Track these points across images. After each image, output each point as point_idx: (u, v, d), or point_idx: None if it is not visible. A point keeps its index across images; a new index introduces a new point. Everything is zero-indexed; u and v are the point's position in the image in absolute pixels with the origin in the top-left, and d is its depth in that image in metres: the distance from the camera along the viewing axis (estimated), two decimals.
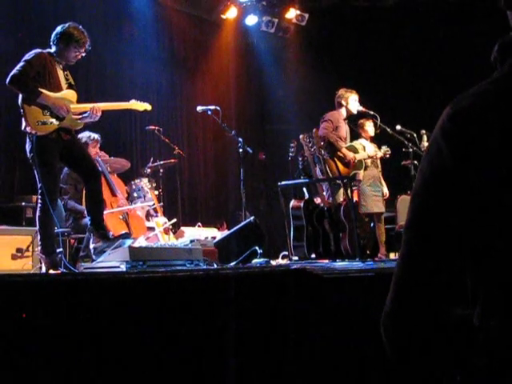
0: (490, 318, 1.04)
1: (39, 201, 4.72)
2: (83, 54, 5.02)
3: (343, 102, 6.95)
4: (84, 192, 5.09)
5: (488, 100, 1.02)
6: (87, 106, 4.96)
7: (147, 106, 5.60)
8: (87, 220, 5.97)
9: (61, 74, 4.92)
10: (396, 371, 1.12)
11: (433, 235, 1.06)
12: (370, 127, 7.34)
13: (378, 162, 7.33)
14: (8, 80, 4.62)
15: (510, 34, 1.09)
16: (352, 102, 6.94)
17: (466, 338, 1.08)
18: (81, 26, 5.01)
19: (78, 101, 5.01)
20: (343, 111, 6.97)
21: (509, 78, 1.04)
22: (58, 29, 4.93)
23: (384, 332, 1.12)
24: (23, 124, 4.70)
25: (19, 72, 4.63)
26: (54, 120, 4.73)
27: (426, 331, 1.08)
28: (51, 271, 4.61)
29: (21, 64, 4.67)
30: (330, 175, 6.34)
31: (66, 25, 4.95)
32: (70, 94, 4.92)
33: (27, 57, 4.73)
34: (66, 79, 4.96)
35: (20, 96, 4.70)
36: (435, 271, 1.06)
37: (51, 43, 4.92)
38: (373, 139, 7.41)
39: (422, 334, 1.08)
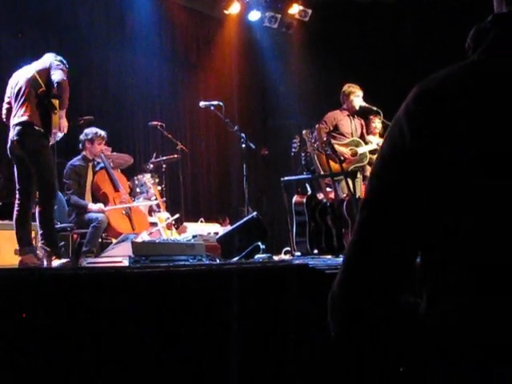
0: (441, 304, 1.03)
1: (39, 195, 4.80)
2: None
3: (346, 98, 6.97)
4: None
5: (457, 82, 1.03)
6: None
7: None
8: (90, 215, 6.01)
9: None
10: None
11: (388, 215, 1.05)
12: (377, 123, 7.37)
13: None
14: (59, 80, 4.75)
15: (484, 21, 1.09)
16: (355, 97, 6.95)
17: (412, 325, 1.07)
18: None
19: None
20: (346, 107, 6.98)
21: (479, 63, 1.05)
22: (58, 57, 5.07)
23: (330, 310, 1.11)
24: (27, 118, 4.75)
25: (65, 78, 4.81)
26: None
27: (372, 315, 1.06)
28: (54, 264, 4.65)
29: (63, 71, 4.85)
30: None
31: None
32: None
33: (63, 66, 4.90)
34: None
35: (50, 100, 4.78)
36: (387, 252, 1.05)
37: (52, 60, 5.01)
38: (381, 135, 7.42)
39: (368, 317, 1.06)
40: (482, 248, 0.99)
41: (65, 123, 4.90)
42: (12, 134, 4.87)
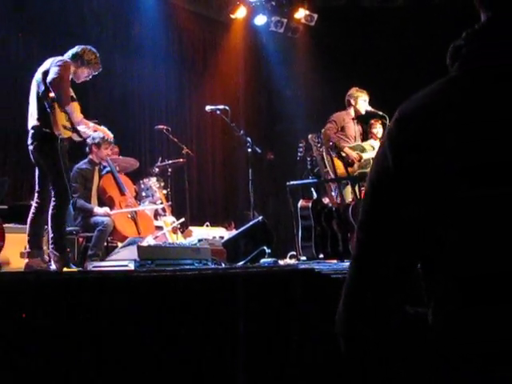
0: (440, 314, 1.06)
1: (53, 199, 4.78)
2: (90, 78, 5.24)
3: (352, 102, 6.97)
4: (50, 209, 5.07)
5: (437, 99, 1.06)
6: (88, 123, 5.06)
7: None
8: (96, 219, 6.01)
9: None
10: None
11: (381, 234, 1.09)
12: (378, 129, 7.36)
13: None
14: (50, 80, 4.74)
15: (459, 38, 1.13)
16: (361, 102, 6.95)
17: (421, 336, 1.09)
18: (95, 50, 5.16)
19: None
20: (352, 111, 6.99)
21: (456, 79, 1.08)
22: (76, 48, 5.08)
23: (337, 325, 1.14)
24: (36, 122, 4.77)
25: (60, 76, 4.78)
26: (70, 128, 4.90)
27: (379, 332, 1.10)
28: (64, 269, 4.65)
29: (60, 68, 4.81)
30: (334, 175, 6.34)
31: (86, 47, 5.12)
32: (77, 107, 5.02)
33: (63, 63, 4.88)
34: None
35: (51, 96, 4.78)
36: (378, 272, 1.09)
37: (68, 57, 5.02)
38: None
39: (375, 334, 1.10)
40: (463, 260, 1.02)
41: (76, 118, 4.88)
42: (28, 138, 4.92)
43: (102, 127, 5.39)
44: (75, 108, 4.97)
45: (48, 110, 4.77)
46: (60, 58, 4.94)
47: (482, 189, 0.99)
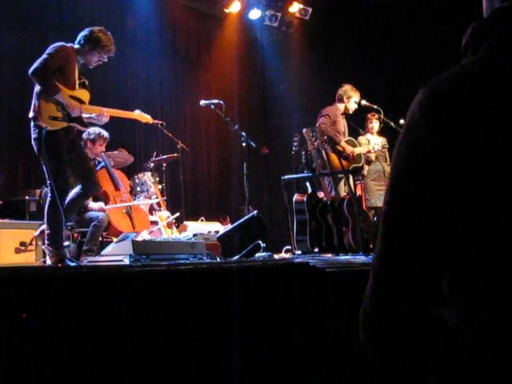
0: (476, 318, 0.99)
1: (48, 194, 4.72)
2: (105, 60, 5.00)
3: (345, 99, 6.98)
4: (76, 191, 5.03)
5: (469, 83, 1.00)
6: (97, 109, 4.96)
7: (149, 119, 5.70)
8: (91, 214, 6.00)
9: (77, 72, 4.90)
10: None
11: (417, 223, 1.01)
12: (374, 123, 7.40)
13: (387, 155, 7.36)
14: (31, 72, 4.57)
15: (482, 19, 1.07)
16: (352, 102, 6.97)
17: (443, 340, 1.03)
18: (109, 32, 4.96)
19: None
20: (341, 107, 7.00)
21: (487, 60, 1.02)
22: (86, 31, 4.89)
23: (362, 327, 1.07)
24: (32, 113, 4.67)
25: (42, 65, 4.58)
26: (65, 118, 4.71)
27: (406, 331, 1.03)
28: (59, 265, 4.62)
29: (44, 57, 4.62)
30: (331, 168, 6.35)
31: (96, 28, 4.91)
32: (84, 94, 4.89)
33: (51, 50, 4.68)
34: (79, 78, 4.94)
35: (38, 87, 4.67)
36: (416, 266, 1.01)
37: (76, 42, 4.87)
38: (379, 134, 7.44)
39: (402, 334, 1.03)
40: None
41: (71, 107, 4.70)
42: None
43: (121, 111, 5.34)
44: (81, 95, 4.87)
45: (36, 101, 4.68)
46: (54, 44, 4.76)
47: None
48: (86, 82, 4.97)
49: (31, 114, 4.67)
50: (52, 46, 4.73)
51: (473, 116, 0.97)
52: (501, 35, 1.02)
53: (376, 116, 7.37)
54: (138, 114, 5.56)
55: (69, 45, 4.83)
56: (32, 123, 4.68)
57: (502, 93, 0.97)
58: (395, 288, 1.02)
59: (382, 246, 1.04)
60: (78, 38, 4.89)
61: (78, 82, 4.88)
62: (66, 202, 4.83)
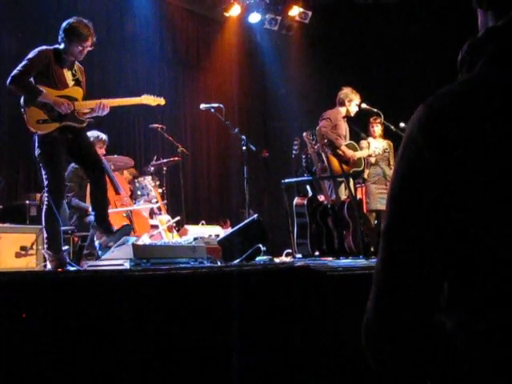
0: (478, 318, 1.02)
1: (45, 199, 4.71)
2: (89, 49, 4.91)
3: (346, 102, 6.97)
4: (89, 188, 5.05)
5: (465, 100, 1.03)
6: (93, 102, 4.91)
7: (160, 101, 5.45)
8: (91, 218, 5.99)
9: (67, 71, 4.87)
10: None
11: (416, 237, 1.04)
12: (375, 128, 7.41)
13: (391, 159, 7.36)
14: (8, 81, 4.58)
15: (478, 35, 1.10)
16: (353, 104, 6.97)
17: (442, 350, 1.06)
18: (86, 20, 4.90)
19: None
20: (343, 110, 6.99)
21: (482, 77, 1.05)
22: (63, 24, 4.85)
23: (365, 338, 1.09)
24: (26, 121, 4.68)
25: (19, 72, 4.57)
26: (56, 118, 4.67)
27: (407, 342, 1.06)
28: (59, 269, 4.61)
29: (22, 63, 4.61)
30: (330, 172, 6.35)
31: (71, 20, 4.87)
32: (76, 92, 4.84)
33: (30, 55, 4.66)
34: (74, 75, 4.91)
35: (22, 96, 4.68)
36: (417, 279, 1.04)
37: (59, 40, 4.84)
38: (383, 137, 7.45)
39: (403, 345, 1.06)
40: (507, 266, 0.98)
41: (57, 105, 4.63)
42: None
43: (124, 99, 5.23)
44: (73, 93, 4.82)
45: (22, 110, 4.68)
46: (34, 49, 4.73)
47: None
48: (81, 79, 4.94)
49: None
50: (32, 52, 4.71)
51: (468, 132, 1.00)
52: (494, 55, 1.06)
53: (378, 120, 7.38)
54: (146, 98, 5.35)
55: (51, 47, 4.80)
56: (35, 136, 4.69)
57: (495, 110, 1.00)
58: (396, 300, 1.05)
59: (383, 258, 1.07)
60: (59, 34, 4.84)
61: (71, 81, 4.86)
62: (92, 204, 4.84)
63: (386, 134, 7.42)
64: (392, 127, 7.12)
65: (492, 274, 0.99)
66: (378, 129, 7.43)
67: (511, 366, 0.98)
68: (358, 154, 6.86)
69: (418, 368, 1.08)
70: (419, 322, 1.05)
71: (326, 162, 6.27)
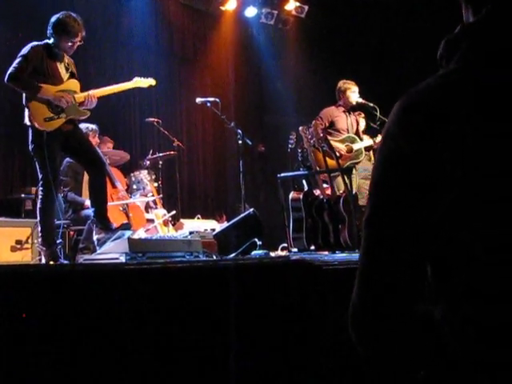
0: (455, 312, 1.04)
1: (40, 192, 4.71)
2: (79, 43, 4.89)
3: (341, 95, 7.00)
4: (88, 182, 5.05)
5: (438, 94, 1.05)
6: (84, 95, 4.90)
7: (152, 82, 5.48)
8: (87, 212, 5.99)
9: (60, 65, 4.86)
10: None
11: (396, 228, 1.05)
12: (361, 122, 7.40)
13: (371, 155, 7.34)
14: (6, 78, 4.58)
15: (455, 31, 1.13)
16: (350, 93, 6.98)
17: (431, 333, 1.07)
18: (75, 15, 4.88)
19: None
20: (342, 103, 7.00)
21: (458, 72, 1.07)
22: (52, 19, 4.84)
23: (351, 327, 1.11)
24: (27, 119, 4.67)
25: (16, 69, 4.58)
26: (61, 114, 4.70)
27: (394, 327, 1.07)
28: (51, 263, 4.61)
29: (17, 60, 4.62)
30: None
31: (59, 14, 4.85)
32: (72, 84, 4.85)
33: (23, 52, 4.66)
34: (67, 69, 4.90)
35: (23, 94, 4.67)
36: (400, 265, 1.05)
37: (48, 35, 4.84)
38: (365, 132, 7.42)
39: (390, 329, 1.07)
40: (485, 263, 0.99)
41: (54, 99, 4.66)
42: None
43: (114, 87, 5.22)
44: (70, 86, 4.82)
45: (26, 109, 4.67)
46: (26, 46, 4.74)
47: (502, 190, 0.98)
48: (74, 71, 4.94)
49: (28, 122, 4.66)
50: (24, 48, 4.71)
51: (442, 125, 1.02)
52: (465, 51, 1.09)
53: (362, 115, 7.39)
54: (137, 81, 5.37)
55: (42, 43, 4.80)
56: (30, 130, 4.68)
57: (468, 103, 1.02)
58: (378, 286, 1.07)
59: (364, 246, 1.09)
60: (48, 29, 4.83)
61: (65, 74, 4.85)
62: (91, 199, 4.84)
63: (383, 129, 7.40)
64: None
65: (466, 269, 1.01)
66: (362, 124, 7.42)
67: (485, 361, 0.99)
68: (356, 147, 6.87)
69: (405, 355, 1.09)
70: (401, 307, 1.06)
71: (321, 156, 6.26)
